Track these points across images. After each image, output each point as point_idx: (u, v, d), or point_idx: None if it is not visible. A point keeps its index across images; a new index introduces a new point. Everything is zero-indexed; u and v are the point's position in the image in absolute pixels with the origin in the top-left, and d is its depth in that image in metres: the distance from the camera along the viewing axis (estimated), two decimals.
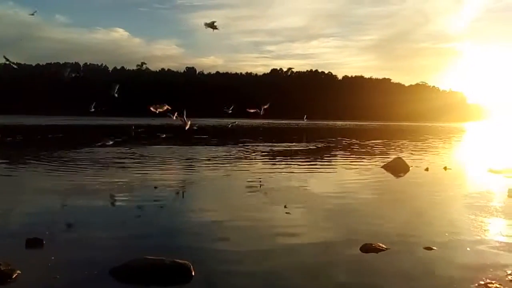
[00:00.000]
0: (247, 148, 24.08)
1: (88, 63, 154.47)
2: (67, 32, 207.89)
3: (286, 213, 8.77)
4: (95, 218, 8.28)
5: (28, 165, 15.86)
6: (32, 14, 12.42)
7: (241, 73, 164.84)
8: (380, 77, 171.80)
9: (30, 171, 14.55)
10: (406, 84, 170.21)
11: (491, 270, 5.47)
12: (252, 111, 15.91)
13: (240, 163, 17.49)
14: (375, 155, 21.25)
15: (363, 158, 19.84)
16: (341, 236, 7.06)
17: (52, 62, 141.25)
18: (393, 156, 17.82)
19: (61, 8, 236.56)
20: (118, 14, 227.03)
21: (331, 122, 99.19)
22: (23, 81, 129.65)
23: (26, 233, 6.61)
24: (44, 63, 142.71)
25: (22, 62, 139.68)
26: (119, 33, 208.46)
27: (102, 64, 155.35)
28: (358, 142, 32.06)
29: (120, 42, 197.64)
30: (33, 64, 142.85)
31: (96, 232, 7.15)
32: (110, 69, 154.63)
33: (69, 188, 11.21)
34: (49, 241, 6.38)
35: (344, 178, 13.65)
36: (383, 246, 6.28)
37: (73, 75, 12.60)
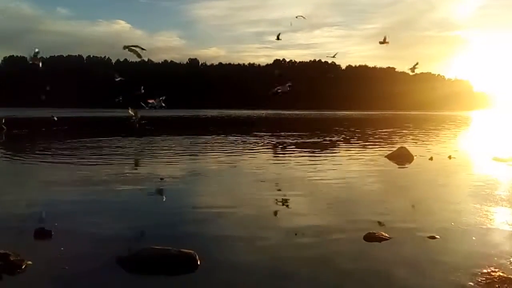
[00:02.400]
0: (251, 139, 24.10)
1: (91, 56, 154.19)
2: (69, 25, 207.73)
3: (291, 203, 8.84)
4: (102, 209, 8.38)
5: (35, 157, 15.99)
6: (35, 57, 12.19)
7: (243, 64, 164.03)
8: (385, 66, 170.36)
9: (36, 163, 14.67)
10: (411, 73, 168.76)
11: (495, 258, 5.51)
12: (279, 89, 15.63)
13: (245, 153, 17.53)
14: (379, 145, 21.21)
15: (368, 148, 19.83)
16: (345, 225, 7.11)
17: (56, 55, 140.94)
18: (398, 146, 17.78)
19: (62, 1, 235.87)
20: (119, 6, 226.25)
21: (335, 112, 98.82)
22: (25, 74, 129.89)
23: (35, 224, 6.73)
24: (48, 56, 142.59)
25: (26, 55, 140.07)
26: (121, 25, 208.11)
27: (105, 57, 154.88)
28: (362, 131, 31.99)
29: (122, 34, 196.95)
30: (37, 57, 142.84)
31: (104, 223, 7.25)
32: (113, 61, 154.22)
33: (76, 179, 11.33)
34: (57, 232, 6.49)
35: (348, 167, 13.67)
36: (387, 235, 6.32)
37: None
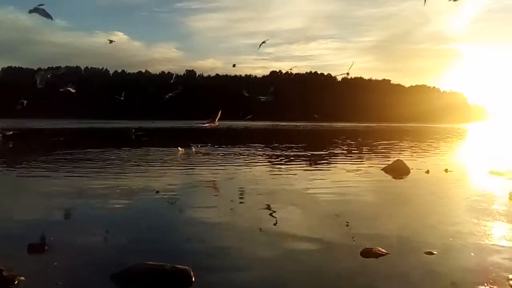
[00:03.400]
0: (248, 150, 24.08)
1: (89, 67, 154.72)
2: (67, 36, 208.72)
3: (287, 216, 8.79)
4: (96, 222, 8.29)
5: (29, 169, 15.87)
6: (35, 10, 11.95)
7: (240, 75, 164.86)
8: (380, 78, 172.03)
9: (31, 175, 14.55)
10: (406, 85, 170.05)
11: (493, 274, 5.47)
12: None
13: (241, 165, 17.49)
14: (375, 157, 21.26)
15: (363, 160, 19.86)
16: (341, 240, 7.05)
17: (54, 66, 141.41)
18: (394, 158, 17.80)
19: (60, 13, 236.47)
20: (117, 18, 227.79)
21: (330, 124, 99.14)
22: (24, 84, 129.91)
23: (28, 238, 6.65)
24: (46, 67, 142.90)
25: (24, 66, 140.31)
26: (119, 37, 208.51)
27: (103, 68, 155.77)
28: (358, 143, 32.06)
29: (120, 46, 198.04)
30: (35, 68, 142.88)
31: (97, 237, 7.17)
32: (111, 72, 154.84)
33: (71, 192, 11.24)
34: (50, 246, 6.41)
35: (344, 180, 13.64)
36: (383, 250, 6.28)
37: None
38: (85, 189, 11.67)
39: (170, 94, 19.90)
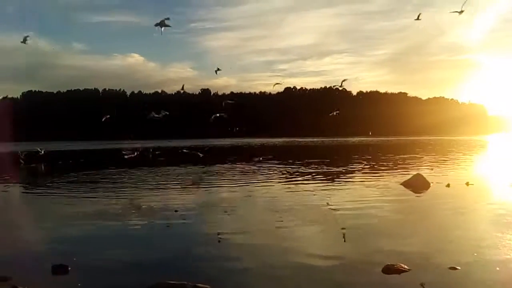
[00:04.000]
0: (265, 168, 24.08)
1: (106, 89, 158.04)
2: (85, 59, 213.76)
3: (305, 232, 8.74)
4: (117, 242, 8.42)
5: (51, 191, 16.21)
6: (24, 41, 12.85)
7: (254, 93, 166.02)
8: (396, 91, 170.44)
9: (53, 196, 14.86)
10: (423, 98, 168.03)
11: None
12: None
13: (259, 182, 17.49)
14: (394, 172, 20.99)
15: (382, 175, 19.62)
16: (362, 256, 6.98)
17: (73, 89, 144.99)
18: (413, 172, 17.56)
19: (78, 36, 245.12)
20: (133, 40, 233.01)
21: (346, 139, 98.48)
22: (44, 108, 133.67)
23: (51, 259, 6.78)
24: (65, 90, 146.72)
25: (43, 90, 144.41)
26: (135, 58, 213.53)
27: (120, 89, 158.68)
28: (376, 158, 31.71)
29: (136, 67, 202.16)
30: (54, 92, 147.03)
31: (119, 257, 7.27)
32: (128, 93, 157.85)
33: (92, 212, 11.43)
34: (74, 267, 6.52)
35: (363, 196, 13.51)
36: (406, 267, 6.18)
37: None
38: (106, 209, 11.85)
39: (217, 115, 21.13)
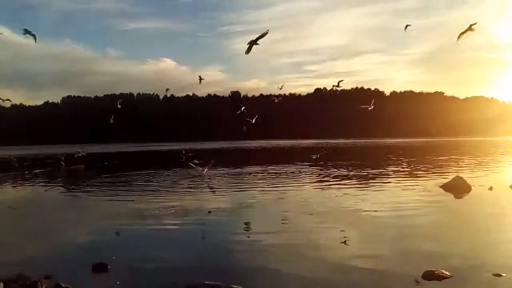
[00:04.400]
0: (297, 169, 23.94)
1: (140, 93, 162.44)
2: (120, 65, 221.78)
3: (341, 236, 8.59)
4: (153, 242, 8.59)
5: (90, 191, 16.80)
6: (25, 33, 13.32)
7: (284, 94, 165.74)
8: (432, 91, 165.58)
9: (91, 197, 15.39)
10: (461, 97, 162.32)
11: None
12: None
13: (292, 184, 17.39)
14: (432, 174, 20.33)
15: (420, 178, 19.04)
16: (401, 261, 6.78)
17: (109, 93, 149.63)
18: (452, 175, 16.94)
19: (113, 43, 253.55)
20: (165, 45, 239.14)
21: (381, 140, 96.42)
22: (83, 111, 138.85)
23: (92, 258, 6.99)
24: (102, 95, 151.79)
25: (82, 95, 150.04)
26: (167, 63, 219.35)
27: (153, 93, 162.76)
28: (413, 160, 30.82)
29: (168, 71, 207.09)
30: (92, 96, 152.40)
31: (155, 256, 7.42)
32: (161, 97, 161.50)
33: (129, 212, 11.74)
34: (113, 266, 6.70)
35: (401, 199, 13.14)
36: (447, 273, 5.96)
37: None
38: (142, 209, 12.12)
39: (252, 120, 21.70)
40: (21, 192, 17.43)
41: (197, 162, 20.83)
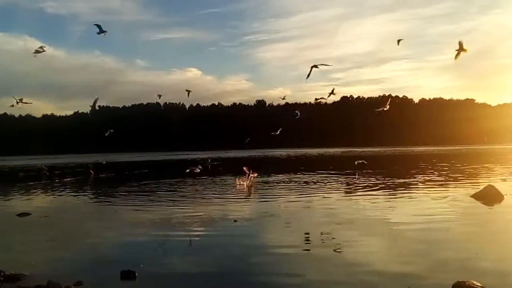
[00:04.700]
0: (323, 178, 23.74)
1: (167, 102, 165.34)
2: (147, 75, 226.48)
3: (369, 246, 8.46)
4: (180, 251, 8.69)
5: (118, 199, 17.17)
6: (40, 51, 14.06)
7: (310, 103, 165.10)
8: (462, 97, 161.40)
9: (119, 205, 15.72)
10: (493, 104, 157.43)
11: None
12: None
13: (318, 193, 17.24)
14: (462, 183, 19.75)
15: (450, 187, 18.53)
16: (430, 272, 6.61)
17: (137, 103, 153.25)
18: (484, 184, 16.41)
19: (141, 54, 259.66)
20: (190, 55, 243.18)
21: (409, 148, 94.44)
22: (112, 121, 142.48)
23: (120, 265, 7.12)
24: (130, 105, 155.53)
25: (111, 105, 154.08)
26: (193, 73, 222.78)
27: (179, 103, 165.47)
28: (443, 169, 30.04)
29: (194, 81, 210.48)
30: (120, 106, 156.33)
31: (182, 265, 7.51)
32: (187, 106, 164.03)
33: (156, 220, 11.93)
34: (141, 273, 6.81)
35: (430, 208, 12.82)
36: (479, 284, 5.77)
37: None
38: (169, 217, 12.30)
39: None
40: (52, 200, 17.99)
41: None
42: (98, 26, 11.97)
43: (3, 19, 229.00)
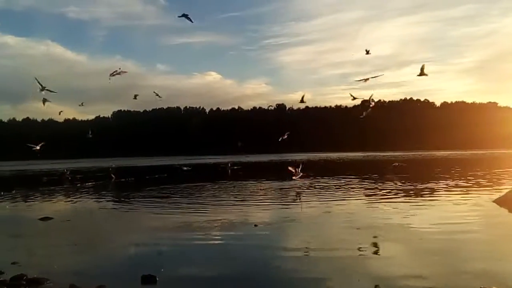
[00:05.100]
0: (343, 183, 23.57)
1: (187, 106, 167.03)
2: (168, 79, 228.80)
3: (389, 252, 8.39)
4: (200, 255, 8.78)
5: (138, 204, 17.44)
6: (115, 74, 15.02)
7: (330, 106, 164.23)
8: (485, 101, 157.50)
9: (140, 209, 15.97)
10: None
11: None
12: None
13: (338, 198, 17.14)
14: (485, 188, 19.30)
15: (472, 192, 18.14)
16: (452, 278, 6.53)
17: (157, 108, 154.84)
18: (507, 189, 16.01)
19: (161, 58, 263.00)
20: (210, 59, 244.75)
21: (431, 153, 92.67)
22: (133, 125, 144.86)
23: (141, 269, 7.26)
24: (150, 109, 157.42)
25: (131, 109, 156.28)
26: (213, 76, 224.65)
27: (200, 107, 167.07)
28: (465, 173, 29.39)
29: (213, 85, 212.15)
30: (141, 110, 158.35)
31: (203, 269, 7.60)
32: (207, 110, 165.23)
33: (176, 225, 12.08)
34: (161, 277, 6.94)
35: (451, 214, 12.61)
36: None
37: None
38: (189, 222, 12.44)
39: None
40: (74, 205, 18.36)
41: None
42: (186, 16, 13.02)
43: (25, 24, 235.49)
